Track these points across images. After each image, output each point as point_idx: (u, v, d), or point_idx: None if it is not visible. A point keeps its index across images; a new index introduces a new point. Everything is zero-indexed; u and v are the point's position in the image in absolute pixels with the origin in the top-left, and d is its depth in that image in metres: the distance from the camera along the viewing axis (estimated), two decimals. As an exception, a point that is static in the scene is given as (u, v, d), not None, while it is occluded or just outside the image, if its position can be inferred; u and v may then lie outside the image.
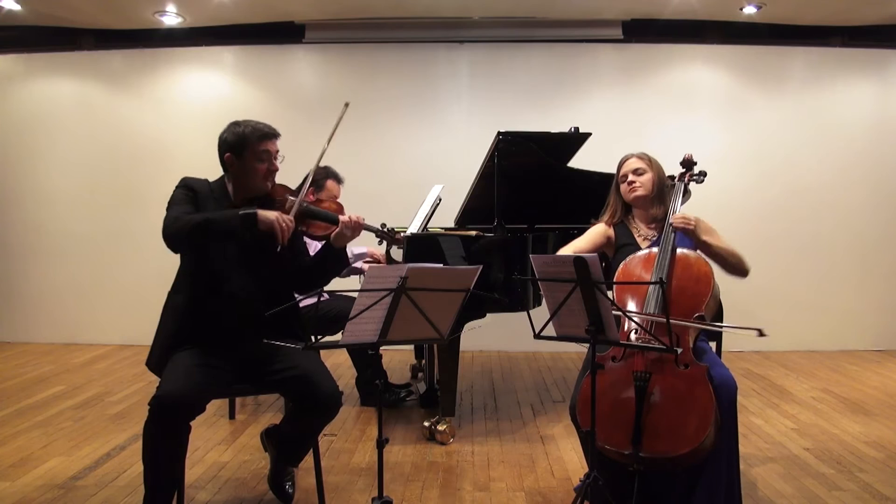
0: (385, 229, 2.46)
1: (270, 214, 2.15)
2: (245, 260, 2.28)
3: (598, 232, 2.55)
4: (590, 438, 2.00)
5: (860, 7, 4.76)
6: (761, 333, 1.90)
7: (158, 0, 4.72)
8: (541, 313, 2.14)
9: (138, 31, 5.22)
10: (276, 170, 2.35)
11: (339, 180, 3.65)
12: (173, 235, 2.14)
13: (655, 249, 2.29)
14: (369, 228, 2.42)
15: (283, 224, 2.16)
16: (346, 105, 2.42)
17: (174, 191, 2.29)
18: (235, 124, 2.31)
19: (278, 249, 2.18)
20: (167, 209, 2.23)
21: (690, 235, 2.31)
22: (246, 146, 2.27)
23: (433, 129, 5.30)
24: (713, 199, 4.93)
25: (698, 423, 1.95)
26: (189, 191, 2.28)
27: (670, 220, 2.30)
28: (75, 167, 5.37)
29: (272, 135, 2.32)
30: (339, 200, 2.53)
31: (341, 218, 2.33)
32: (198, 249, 2.24)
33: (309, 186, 3.69)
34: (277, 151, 2.34)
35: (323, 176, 3.61)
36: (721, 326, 2.19)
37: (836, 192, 5.22)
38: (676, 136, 5.12)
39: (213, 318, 2.23)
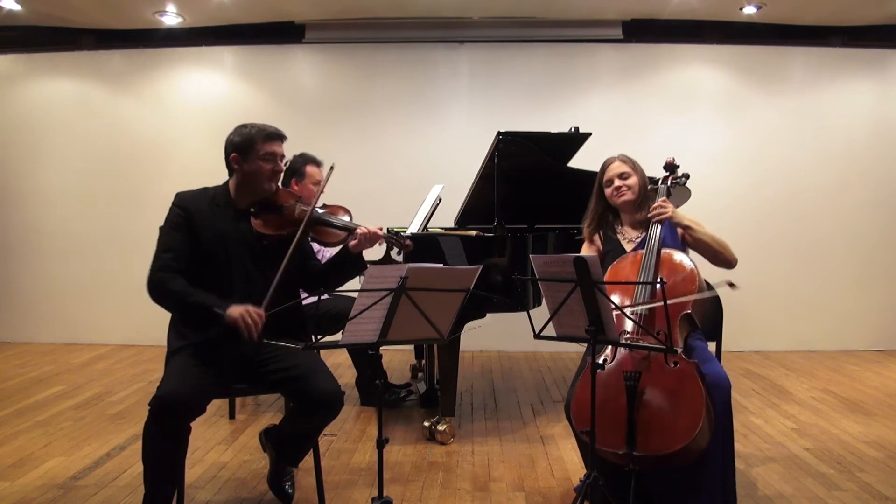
0: (400, 239, 2.45)
1: (235, 311, 2.09)
2: (251, 265, 2.27)
3: (592, 249, 2.55)
4: (589, 438, 2.00)
5: (860, 7, 4.76)
6: (731, 285, 1.96)
7: (158, 0, 4.72)
8: (541, 313, 2.15)
9: (138, 31, 5.22)
10: (281, 171, 2.36)
11: (317, 163, 3.49)
12: (154, 297, 2.19)
13: (641, 251, 2.31)
14: (388, 239, 2.41)
15: (250, 320, 2.09)
16: (332, 167, 2.44)
17: (169, 210, 2.28)
18: (242, 126, 2.32)
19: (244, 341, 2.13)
20: (159, 237, 2.24)
21: (672, 222, 2.34)
22: (252, 146, 2.27)
23: (433, 129, 5.30)
24: (713, 200, 4.95)
25: (689, 419, 1.96)
26: (183, 212, 2.26)
27: (649, 214, 2.35)
28: (75, 167, 5.38)
29: (278, 136, 2.33)
30: (345, 206, 2.52)
31: (358, 231, 2.34)
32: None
33: (291, 178, 3.65)
34: (283, 155, 2.35)
35: (301, 163, 3.47)
36: (691, 297, 2.16)
37: (836, 191, 5.22)
38: (676, 136, 5.12)
39: (220, 325, 2.22)
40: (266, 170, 2.30)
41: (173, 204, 2.29)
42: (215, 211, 2.29)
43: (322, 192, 2.58)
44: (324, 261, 2.55)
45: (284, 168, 2.37)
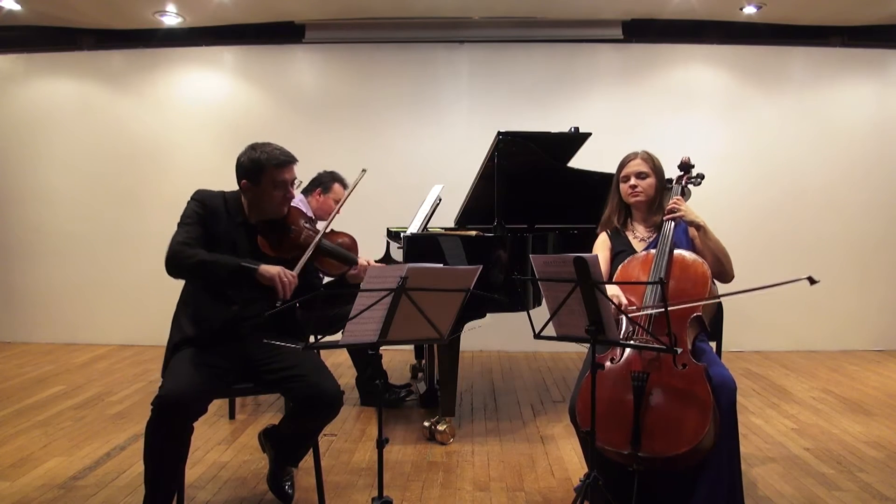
0: None
1: (272, 269, 2.14)
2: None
3: (602, 245, 2.53)
4: (590, 438, 2.00)
5: (860, 7, 4.76)
6: (812, 281, 1.92)
7: (158, 0, 4.72)
8: (541, 313, 2.14)
9: (138, 31, 5.22)
10: (293, 197, 2.36)
11: (344, 185, 3.71)
12: (173, 268, 2.18)
13: (653, 251, 2.29)
14: None
15: (286, 279, 2.13)
16: (364, 171, 2.48)
17: (188, 203, 2.30)
18: (252, 149, 2.30)
19: (277, 304, 2.14)
20: (178, 225, 2.25)
21: (685, 220, 2.31)
22: (262, 173, 2.27)
23: (433, 129, 5.30)
24: (713, 200, 4.93)
25: (696, 422, 1.96)
26: (201, 207, 2.27)
27: (665, 211, 2.33)
28: (75, 167, 5.37)
29: (289, 162, 2.31)
30: (351, 235, 2.53)
31: (359, 263, 2.36)
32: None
33: (316, 188, 3.74)
34: (294, 178, 2.34)
35: (329, 179, 3.69)
36: (766, 287, 2.08)
37: (837, 191, 5.22)
38: (676, 136, 5.12)
39: (216, 321, 2.23)
40: (277, 197, 2.30)
41: (193, 198, 2.30)
42: (228, 218, 2.30)
43: (349, 195, 2.59)
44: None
45: (297, 189, 2.37)
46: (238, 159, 2.32)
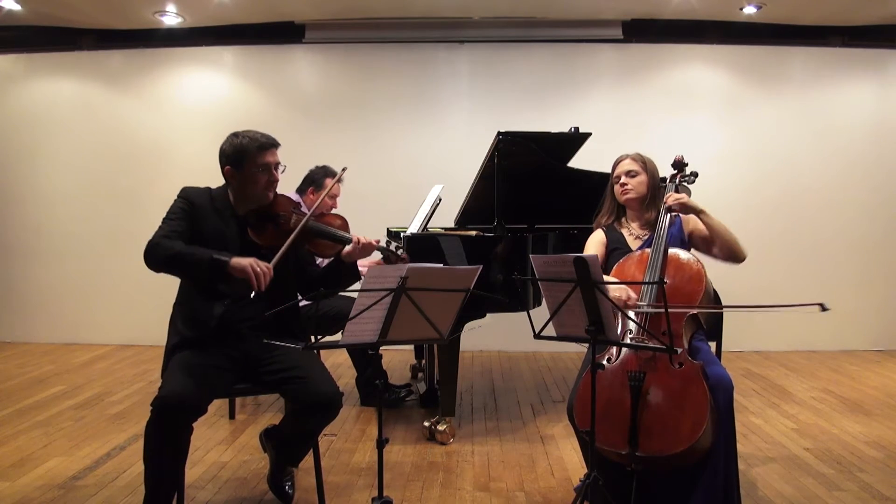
0: (395, 250, 2.43)
1: (244, 261, 2.07)
2: None
3: (598, 241, 2.55)
4: (590, 438, 2.00)
5: (860, 7, 4.76)
6: (823, 308, 1.91)
7: (158, 0, 4.72)
8: (541, 313, 2.15)
9: (138, 31, 5.22)
10: (277, 181, 2.33)
11: (339, 179, 3.62)
12: (151, 260, 2.14)
13: (648, 250, 2.30)
14: (381, 250, 2.40)
15: (259, 270, 2.07)
16: (344, 169, 2.53)
17: (174, 201, 2.28)
18: (234, 136, 2.29)
19: (251, 295, 2.09)
20: (162, 221, 2.23)
21: (687, 210, 2.33)
22: (244, 158, 2.25)
23: (433, 129, 5.30)
24: (713, 200, 4.88)
25: (693, 421, 1.96)
26: (187, 204, 2.26)
27: (665, 204, 2.33)
28: (75, 167, 5.38)
29: (270, 145, 2.29)
30: (343, 215, 2.52)
31: (353, 240, 2.33)
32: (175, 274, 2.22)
33: (309, 186, 3.72)
34: (278, 163, 2.32)
35: (322, 175, 3.64)
36: (777, 307, 2.11)
37: (837, 191, 5.22)
38: (676, 136, 5.12)
39: (211, 320, 2.23)
40: (262, 181, 2.28)
41: (179, 196, 2.29)
42: (215, 213, 2.29)
43: (321, 202, 2.57)
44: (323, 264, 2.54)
45: (282, 173, 2.34)
46: (220, 148, 2.30)
